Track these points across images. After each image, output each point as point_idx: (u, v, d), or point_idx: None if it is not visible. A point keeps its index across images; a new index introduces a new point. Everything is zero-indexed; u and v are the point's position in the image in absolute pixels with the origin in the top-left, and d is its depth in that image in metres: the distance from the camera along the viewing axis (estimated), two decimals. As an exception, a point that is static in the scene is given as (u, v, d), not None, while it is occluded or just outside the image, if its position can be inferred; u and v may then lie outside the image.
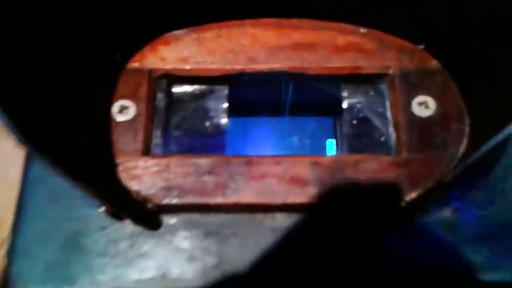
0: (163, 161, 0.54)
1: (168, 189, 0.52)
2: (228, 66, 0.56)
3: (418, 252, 0.52)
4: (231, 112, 0.62)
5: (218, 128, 0.60)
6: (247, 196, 0.52)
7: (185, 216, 0.53)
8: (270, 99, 0.66)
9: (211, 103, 0.61)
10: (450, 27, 0.52)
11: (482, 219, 0.51)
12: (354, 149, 0.59)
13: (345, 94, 0.61)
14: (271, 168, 0.53)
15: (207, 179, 0.53)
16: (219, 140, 0.59)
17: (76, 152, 0.48)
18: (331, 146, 0.70)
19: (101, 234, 0.53)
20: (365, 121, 0.60)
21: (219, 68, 0.56)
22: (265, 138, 0.70)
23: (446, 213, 0.54)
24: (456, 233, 0.50)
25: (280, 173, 0.53)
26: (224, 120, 0.61)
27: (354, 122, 0.61)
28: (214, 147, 0.58)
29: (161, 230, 0.53)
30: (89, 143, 0.53)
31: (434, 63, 0.56)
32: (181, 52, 0.57)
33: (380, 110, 0.60)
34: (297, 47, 0.56)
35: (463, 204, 0.54)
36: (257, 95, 0.65)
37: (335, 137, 0.69)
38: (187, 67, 0.56)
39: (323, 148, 0.71)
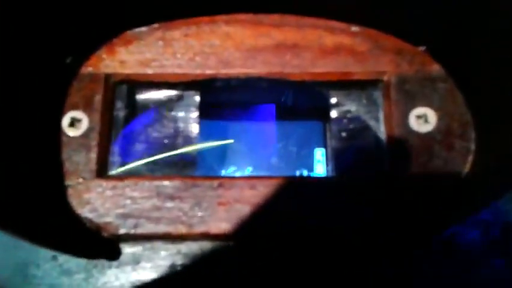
0: (121, 183, 0.47)
1: (125, 217, 0.45)
2: (198, 71, 0.50)
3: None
4: (204, 119, 0.56)
5: (188, 141, 0.53)
6: (215, 226, 0.44)
7: (147, 245, 0.46)
8: (251, 104, 0.58)
9: (180, 111, 0.53)
10: (456, 25, 0.46)
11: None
12: (342, 165, 0.51)
13: (333, 101, 0.53)
14: (244, 193, 0.46)
15: (170, 204, 0.46)
16: (189, 155, 0.51)
17: (13, 177, 0.41)
18: (321, 156, 0.62)
19: (53, 265, 0.47)
20: (355, 134, 0.53)
21: (186, 72, 0.50)
22: (244, 148, 0.62)
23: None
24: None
25: (253, 198, 0.45)
26: (195, 131, 0.54)
27: (343, 134, 0.53)
28: (183, 164, 0.50)
29: (121, 260, 0.47)
30: (33, 162, 0.45)
31: (436, 68, 0.50)
32: (144, 54, 0.51)
33: (373, 121, 0.52)
34: (278, 48, 0.50)
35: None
36: (236, 100, 0.57)
37: (325, 145, 0.61)
38: (150, 71, 0.50)
39: (311, 157, 0.63)
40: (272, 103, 0.60)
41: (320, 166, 0.63)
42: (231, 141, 0.59)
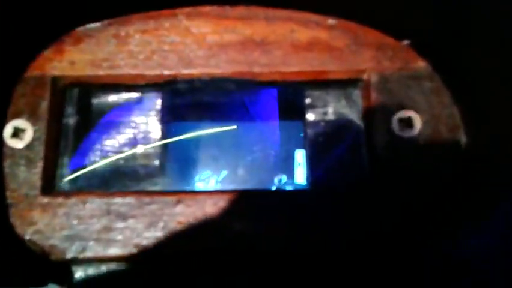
0: (68, 201, 0.43)
1: (72, 240, 0.41)
2: (156, 71, 0.45)
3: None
4: (168, 123, 0.50)
5: (149, 149, 0.48)
6: (173, 247, 0.40)
7: (101, 267, 0.41)
8: (221, 104, 0.53)
9: (139, 116, 0.48)
10: (444, 15, 0.42)
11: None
12: (320, 172, 0.46)
13: (308, 102, 0.48)
14: (205, 210, 0.40)
15: (122, 225, 0.40)
16: (150, 165, 0.48)
17: None
18: (302, 158, 0.57)
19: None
20: (333, 138, 0.47)
21: (143, 73, 0.45)
22: (218, 152, 0.56)
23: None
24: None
25: (216, 216, 0.40)
26: (157, 137, 0.49)
27: (320, 139, 0.47)
28: (144, 176, 0.45)
29: (72, 284, 0.41)
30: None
31: (422, 65, 0.45)
32: (96, 53, 0.46)
33: (353, 124, 0.46)
34: (246, 45, 0.46)
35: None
36: (203, 101, 0.51)
37: (305, 146, 0.56)
38: (103, 73, 0.45)
39: (291, 160, 0.58)
40: (244, 103, 0.55)
41: (301, 170, 0.58)
42: (234, 127, 0.54)
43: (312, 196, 0.43)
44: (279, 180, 0.56)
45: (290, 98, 0.54)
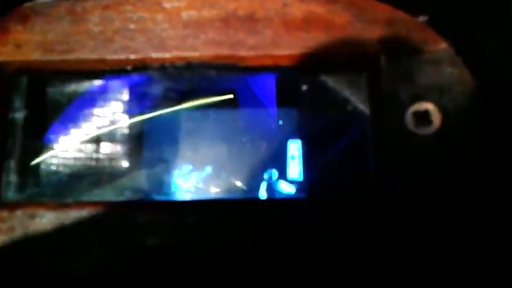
0: (14, 213, 0.37)
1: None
2: (120, 55, 0.40)
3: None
4: (138, 115, 0.45)
5: (116, 146, 0.44)
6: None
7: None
8: (200, 91, 0.46)
9: (102, 109, 0.43)
10: None
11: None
12: (314, 177, 0.41)
13: (304, 89, 0.41)
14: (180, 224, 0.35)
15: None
16: (115, 167, 0.43)
17: None
18: (296, 150, 0.50)
19: None
20: (333, 134, 0.41)
21: (104, 58, 0.40)
22: (201, 144, 0.49)
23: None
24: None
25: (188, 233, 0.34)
26: (125, 132, 0.44)
27: (318, 134, 0.41)
28: (107, 180, 0.42)
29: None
30: None
31: (442, 47, 0.39)
32: (47, 34, 0.40)
33: (358, 118, 0.42)
34: (228, 22, 0.40)
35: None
36: (179, 89, 0.45)
37: (301, 137, 0.49)
38: (57, 57, 0.40)
39: (283, 153, 0.51)
40: (229, 90, 0.48)
41: (295, 164, 0.51)
42: (230, 96, 0.49)
43: (298, 209, 0.38)
44: (269, 177, 0.50)
45: (283, 84, 0.49)
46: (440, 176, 0.37)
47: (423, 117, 0.38)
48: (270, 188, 0.50)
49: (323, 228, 0.36)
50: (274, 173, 0.51)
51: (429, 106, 0.38)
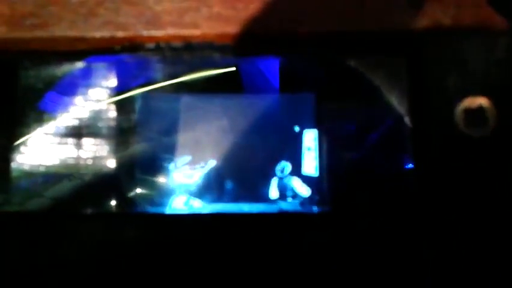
0: None
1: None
2: (104, 33, 0.35)
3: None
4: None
5: (102, 137, 0.37)
6: None
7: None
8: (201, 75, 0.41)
9: (83, 96, 0.37)
10: None
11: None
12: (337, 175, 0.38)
13: (327, 72, 0.39)
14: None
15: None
16: (103, 164, 0.37)
17: None
18: (313, 140, 0.45)
19: None
20: (363, 129, 0.37)
21: (84, 36, 0.35)
22: (201, 134, 0.43)
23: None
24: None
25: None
26: (112, 123, 0.38)
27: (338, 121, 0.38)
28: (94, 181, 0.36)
29: None
30: None
31: (500, 28, 0.33)
32: (15, 6, 0.35)
33: (394, 111, 0.36)
34: None
35: None
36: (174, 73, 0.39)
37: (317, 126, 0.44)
38: (27, 35, 0.35)
39: (298, 143, 0.45)
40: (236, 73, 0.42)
41: (311, 156, 0.45)
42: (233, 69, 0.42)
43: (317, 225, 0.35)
44: (281, 170, 0.44)
45: (299, 66, 0.42)
46: (493, 184, 0.32)
47: (476, 115, 0.33)
48: (282, 185, 0.44)
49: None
50: (287, 166, 0.45)
51: (483, 102, 0.33)
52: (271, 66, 0.45)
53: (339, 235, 0.33)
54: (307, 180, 0.43)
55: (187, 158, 0.44)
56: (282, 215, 0.38)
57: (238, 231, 0.33)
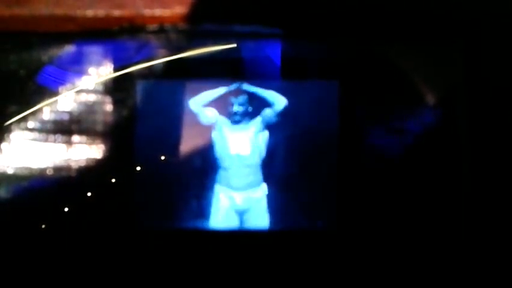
0: None
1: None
2: (98, 12, 0.30)
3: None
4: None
5: (99, 127, 0.33)
6: None
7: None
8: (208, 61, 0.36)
9: (75, 83, 0.33)
10: None
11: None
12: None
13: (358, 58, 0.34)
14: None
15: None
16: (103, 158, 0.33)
17: None
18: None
19: None
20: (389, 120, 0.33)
21: (74, 14, 0.30)
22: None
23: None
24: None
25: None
26: (109, 114, 0.33)
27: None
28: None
29: None
30: None
31: None
32: None
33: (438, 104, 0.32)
34: None
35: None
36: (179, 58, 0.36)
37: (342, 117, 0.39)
38: (9, 12, 0.31)
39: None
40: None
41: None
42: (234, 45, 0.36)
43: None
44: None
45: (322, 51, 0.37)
46: None
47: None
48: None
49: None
50: None
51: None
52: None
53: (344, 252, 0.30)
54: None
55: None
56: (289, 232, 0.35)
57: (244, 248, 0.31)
